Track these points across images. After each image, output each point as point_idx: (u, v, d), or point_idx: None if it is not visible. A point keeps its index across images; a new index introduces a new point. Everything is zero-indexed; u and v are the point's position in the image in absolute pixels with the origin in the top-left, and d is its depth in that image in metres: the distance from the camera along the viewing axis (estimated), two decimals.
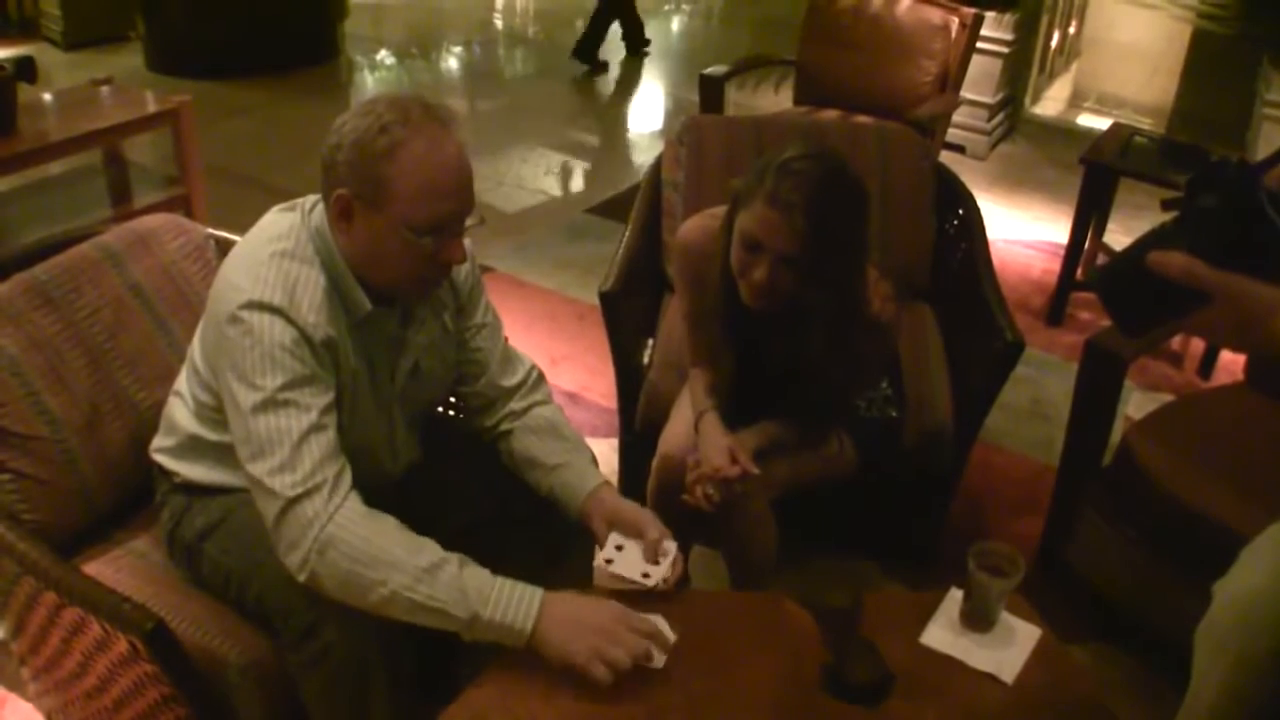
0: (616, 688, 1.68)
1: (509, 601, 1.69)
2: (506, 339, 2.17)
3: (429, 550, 1.70)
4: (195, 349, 1.95)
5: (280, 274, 1.75)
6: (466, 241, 1.84)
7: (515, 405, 2.13)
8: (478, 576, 1.70)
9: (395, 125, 1.69)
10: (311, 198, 1.86)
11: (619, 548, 1.93)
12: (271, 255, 1.77)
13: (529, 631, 1.68)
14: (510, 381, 2.13)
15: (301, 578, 1.68)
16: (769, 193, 2.00)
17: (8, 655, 2.18)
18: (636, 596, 1.84)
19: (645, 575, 1.87)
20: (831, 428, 2.40)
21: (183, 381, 2.01)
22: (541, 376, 2.20)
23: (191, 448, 1.99)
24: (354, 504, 1.71)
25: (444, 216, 1.74)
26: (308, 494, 1.68)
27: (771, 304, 2.12)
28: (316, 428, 1.72)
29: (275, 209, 1.89)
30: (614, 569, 1.89)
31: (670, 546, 1.91)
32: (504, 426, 2.12)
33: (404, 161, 1.69)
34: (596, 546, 1.95)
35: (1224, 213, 1.15)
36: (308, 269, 1.78)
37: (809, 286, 2.08)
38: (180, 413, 1.99)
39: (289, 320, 1.72)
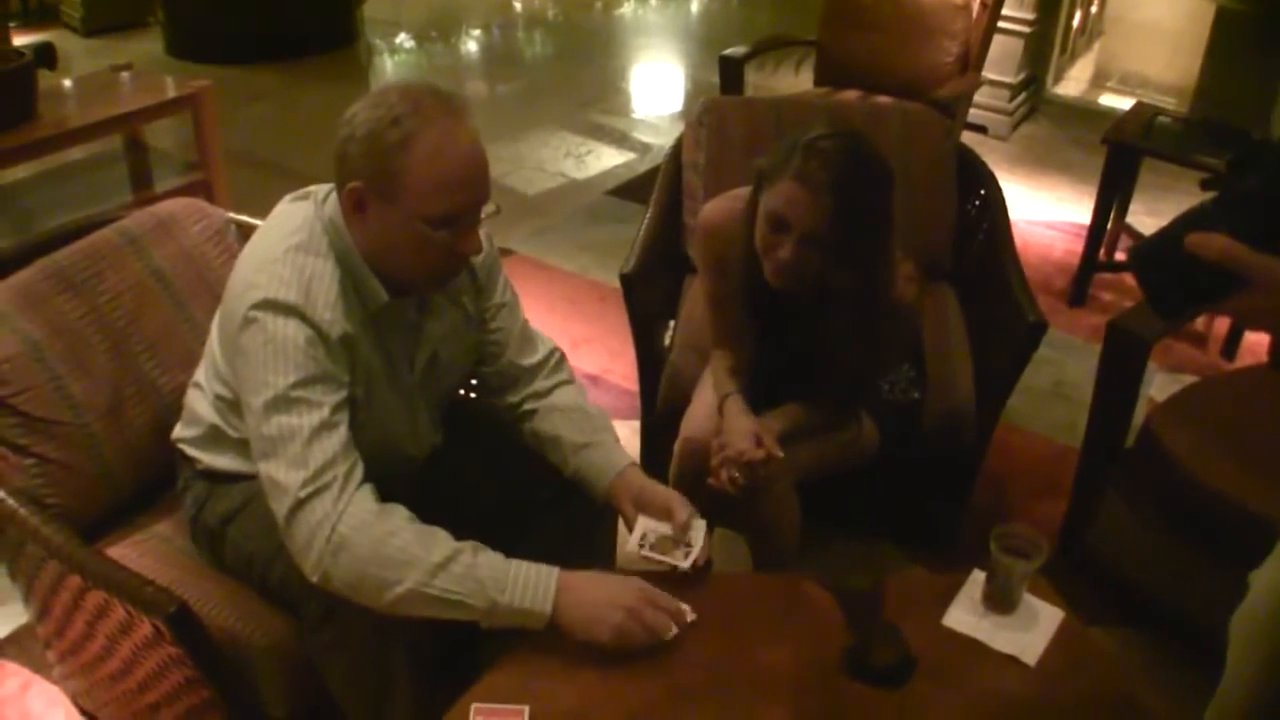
0: (637, 666, 1.69)
1: (525, 585, 1.69)
2: (525, 319, 2.16)
3: (441, 543, 1.69)
4: (213, 342, 1.95)
5: (295, 270, 1.74)
6: (482, 230, 1.83)
7: (539, 385, 2.12)
8: (491, 564, 1.70)
9: (407, 116, 1.67)
10: (324, 187, 1.85)
11: (648, 531, 1.92)
12: (286, 250, 1.76)
13: (548, 613, 1.69)
14: (530, 360, 2.13)
15: (315, 579, 1.68)
16: (796, 170, 2.00)
17: (33, 638, 2.20)
18: (661, 578, 1.84)
19: (680, 558, 1.87)
20: (855, 410, 2.39)
21: (201, 374, 2.01)
22: (563, 357, 2.20)
23: (213, 439, 1.99)
24: (364, 503, 1.70)
25: (459, 208, 1.73)
26: (317, 493, 1.67)
27: (795, 284, 2.12)
28: (328, 425, 1.71)
29: (287, 199, 1.88)
30: (646, 552, 1.88)
31: (700, 527, 1.91)
32: (527, 406, 2.12)
33: (417, 154, 1.67)
34: (625, 528, 1.95)
35: (1267, 195, 1.13)
36: (322, 262, 1.77)
37: (834, 266, 2.07)
38: (201, 405, 2.00)
39: (304, 319, 1.71)
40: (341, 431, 1.74)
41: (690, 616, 1.80)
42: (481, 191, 1.77)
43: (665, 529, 1.92)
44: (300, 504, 1.67)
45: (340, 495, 1.68)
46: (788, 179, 2.01)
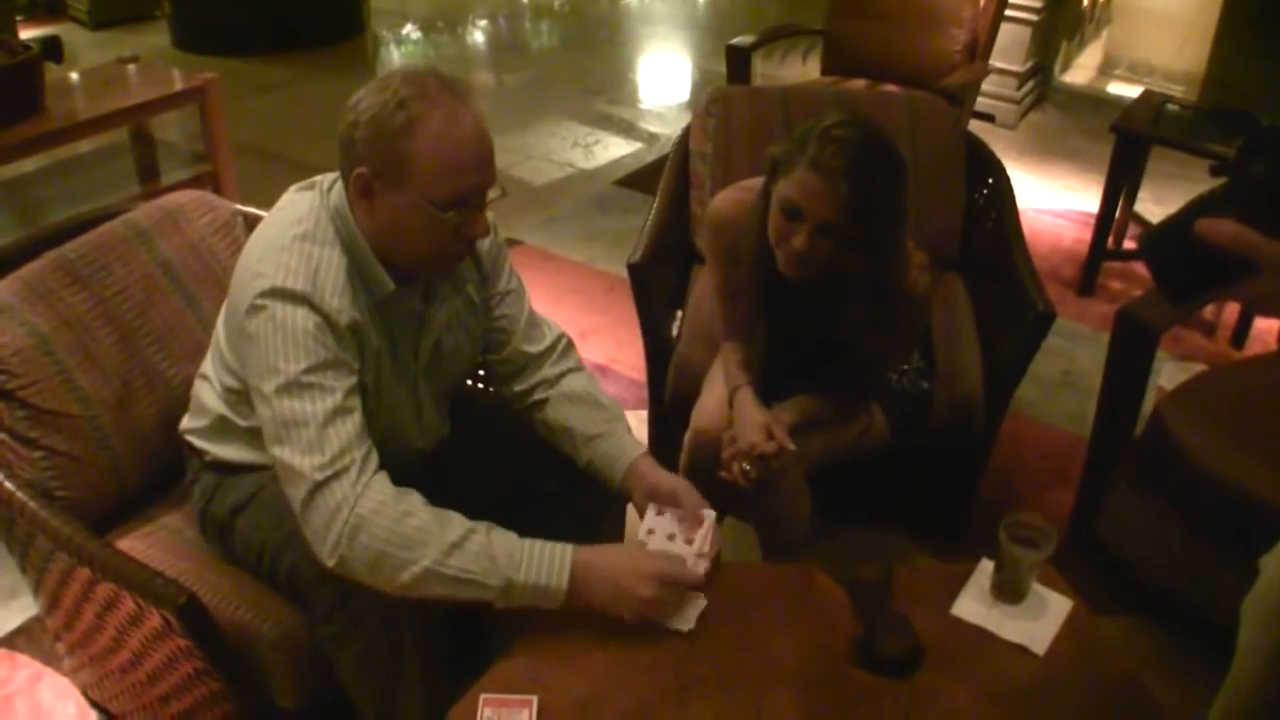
0: (646, 656, 1.69)
1: (540, 562, 1.70)
2: (531, 306, 2.16)
3: (456, 523, 1.70)
4: (220, 333, 1.95)
5: (302, 258, 1.74)
6: (489, 213, 1.83)
7: (547, 373, 2.12)
8: (506, 542, 1.71)
9: (412, 100, 1.67)
10: (330, 176, 1.84)
11: (659, 515, 1.92)
12: (293, 239, 1.76)
13: (565, 589, 1.69)
14: (537, 347, 2.12)
15: (331, 564, 1.68)
16: (811, 159, 1.99)
17: (43, 631, 2.20)
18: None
19: (687, 553, 1.86)
20: (866, 401, 2.38)
21: (209, 365, 2.01)
22: (571, 344, 2.19)
23: (221, 430, 1.99)
24: (381, 485, 1.70)
25: (465, 191, 1.73)
26: (335, 476, 1.67)
27: (809, 274, 2.11)
28: (341, 410, 1.71)
29: (293, 188, 1.88)
30: (653, 548, 1.88)
31: (709, 517, 1.91)
32: (537, 395, 2.12)
33: (422, 137, 1.67)
34: (638, 518, 1.95)
35: (1277, 180, 1.13)
36: (328, 251, 1.77)
37: (847, 255, 2.07)
38: (208, 396, 2.00)
39: (312, 307, 1.71)
40: (356, 417, 1.74)
41: (701, 603, 1.80)
42: (488, 173, 1.77)
43: (671, 526, 1.91)
44: (318, 487, 1.67)
45: (359, 478, 1.68)
46: (803, 167, 2.01)
